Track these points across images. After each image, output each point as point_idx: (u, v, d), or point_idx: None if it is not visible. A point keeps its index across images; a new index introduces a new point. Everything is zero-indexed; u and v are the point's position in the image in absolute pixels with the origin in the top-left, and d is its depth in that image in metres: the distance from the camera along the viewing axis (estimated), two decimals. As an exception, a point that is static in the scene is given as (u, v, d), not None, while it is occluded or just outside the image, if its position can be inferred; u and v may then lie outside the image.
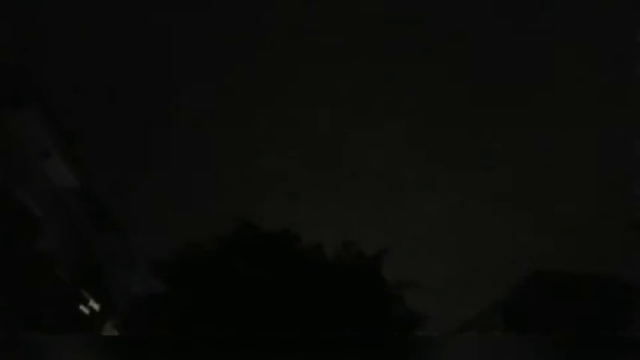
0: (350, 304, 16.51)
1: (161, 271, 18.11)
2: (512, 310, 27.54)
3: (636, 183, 23.77)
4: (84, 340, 13.60)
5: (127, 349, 12.17)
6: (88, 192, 23.60)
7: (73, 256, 22.43)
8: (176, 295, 17.23)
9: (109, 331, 23.03)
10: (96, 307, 22.65)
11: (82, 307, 22.31)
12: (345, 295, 16.66)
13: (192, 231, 18.89)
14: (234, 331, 15.02)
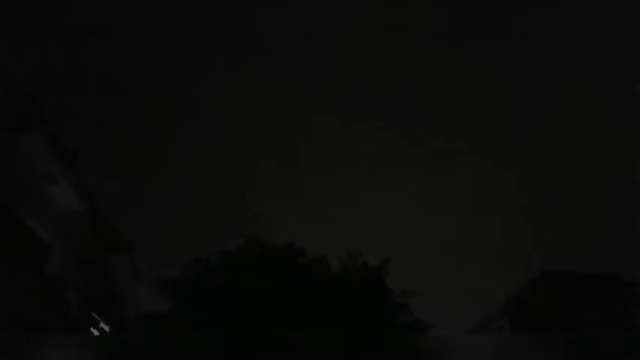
0: (357, 314, 16.56)
1: (168, 287, 18.15)
2: (520, 312, 27.44)
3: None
4: (83, 341, 13.60)
5: (128, 349, 12.16)
6: (93, 213, 23.73)
7: (81, 277, 22.53)
8: (183, 310, 17.28)
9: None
10: (105, 327, 22.70)
11: (91, 329, 22.37)
12: (351, 305, 16.72)
13: (198, 247, 19.00)
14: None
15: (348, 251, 17.77)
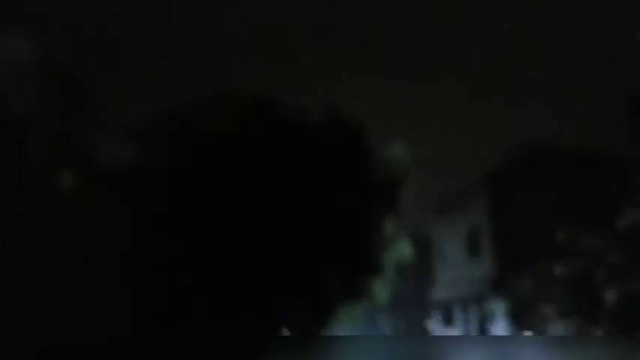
0: (335, 169, 16.08)
1: (137, 141, 17.55)
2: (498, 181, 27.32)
3: None
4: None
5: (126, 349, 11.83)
6: (53, 63, 22.07)
7: (42, 130, 21.41)
8: (155, 164, 16.60)
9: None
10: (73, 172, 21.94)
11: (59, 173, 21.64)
12: (330, 161, 16.17)
13: (166, 99, 17.89)
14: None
15: (328, 104, 16.82)
